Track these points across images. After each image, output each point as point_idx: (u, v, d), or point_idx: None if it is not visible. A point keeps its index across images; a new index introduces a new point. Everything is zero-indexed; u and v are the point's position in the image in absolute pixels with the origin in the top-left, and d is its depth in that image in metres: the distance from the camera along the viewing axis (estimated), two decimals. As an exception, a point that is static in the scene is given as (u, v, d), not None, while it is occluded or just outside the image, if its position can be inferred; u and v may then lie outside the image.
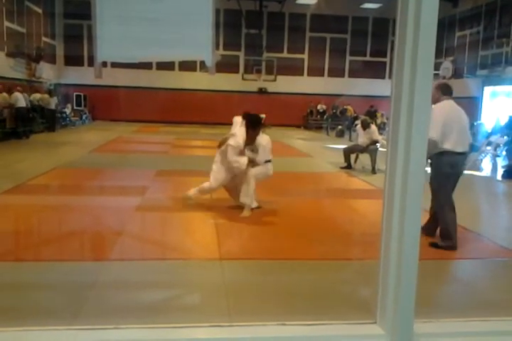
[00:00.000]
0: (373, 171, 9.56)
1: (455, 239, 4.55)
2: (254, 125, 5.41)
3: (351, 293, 3.63)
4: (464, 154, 4.65)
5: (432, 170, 4.67)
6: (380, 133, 10.61)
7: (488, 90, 20.10)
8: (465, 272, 4.21)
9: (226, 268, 3.95)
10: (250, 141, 5.43)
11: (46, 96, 17.61)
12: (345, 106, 23.09)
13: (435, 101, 4.51)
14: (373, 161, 9.64)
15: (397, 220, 1.69)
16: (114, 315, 2.95)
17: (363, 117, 10.81)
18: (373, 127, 10.14)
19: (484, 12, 19.66)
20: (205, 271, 3.93)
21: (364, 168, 9.95)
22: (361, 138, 10.03)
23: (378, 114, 21.01)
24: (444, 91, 4.58)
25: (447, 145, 4.44)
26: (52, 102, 17.44)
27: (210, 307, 3.22)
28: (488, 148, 11.87)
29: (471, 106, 18.00)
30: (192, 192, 5.93)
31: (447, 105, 4.54)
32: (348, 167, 9.96)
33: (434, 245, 4.53)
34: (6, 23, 17.19)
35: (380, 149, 9.84)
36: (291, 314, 3.00)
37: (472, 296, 3.72)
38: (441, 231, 4.66)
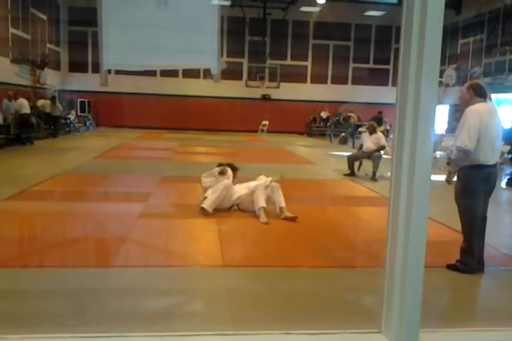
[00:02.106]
0: (373, 178, 9.47)
1: (474, 263, 4.06)
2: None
3: (356, 301, 3.61)
4: (495, 166, 4.07)
5: (458, 186, 4.05)
6: (384, 140, 10.58)
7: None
8: (469, 280, 4.18)
9: (229, 275, 3.93)
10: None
11: (48, 102, 17.68)
12: (348, 114, 23.06)
13: (467, 103, 3.96)
14: (375, 168, 9.55)
15: (402, 228, 1.68)
16: (118, 322, 2.94)
17: (370, 122, 10.75)
18: (380, 133, 10.11)
19: (487, 20, 19.67)
20: (208, 278, 3.91)
21: (367, 175, 9.91)
22: (367, 142, 9.96)
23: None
24: (477, 92, 3.95)
25: (479, 157, 3.86)
26: (56, 108, 17.50)
27: (213, 314, 3.20)
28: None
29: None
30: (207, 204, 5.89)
31: (481, 108, 3.90)
32: (352, 174, 9.93)
33: (451, 267, 4.11)
34: (11, 30, 17.27)
35: (384, 156, 9.82)
36: (296, 322, 2.98)
37: (477, 305, 3.70)
38: (461, 250, 4.11)
